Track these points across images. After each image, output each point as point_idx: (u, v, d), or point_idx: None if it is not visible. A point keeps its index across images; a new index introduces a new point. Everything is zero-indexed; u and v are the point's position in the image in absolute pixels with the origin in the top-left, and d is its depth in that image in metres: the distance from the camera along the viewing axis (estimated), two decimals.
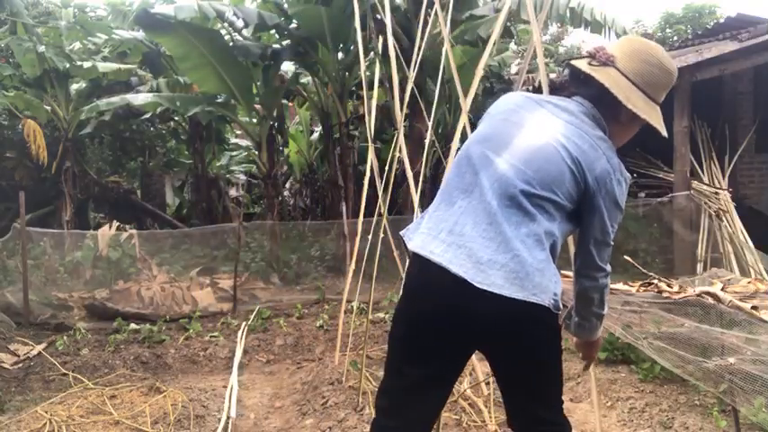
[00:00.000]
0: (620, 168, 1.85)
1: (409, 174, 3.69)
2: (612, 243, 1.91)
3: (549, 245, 1.79)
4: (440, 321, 1.81)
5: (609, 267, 1.95)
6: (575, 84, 1.95)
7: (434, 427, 2.23)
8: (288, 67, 10.63)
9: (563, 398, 2.01)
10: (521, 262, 1.72)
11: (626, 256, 4.30)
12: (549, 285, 1.75)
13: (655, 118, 1.90)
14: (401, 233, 1.96)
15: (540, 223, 1.76)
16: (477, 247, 1.73)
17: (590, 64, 1.88)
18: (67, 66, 8.63)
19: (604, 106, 1.87)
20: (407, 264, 1.97)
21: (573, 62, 1.94)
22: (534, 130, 1.83)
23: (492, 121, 1.94)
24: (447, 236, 1.78)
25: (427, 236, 1.82)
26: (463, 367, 2.05)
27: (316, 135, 12.10)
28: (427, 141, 3.75)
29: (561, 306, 1.81)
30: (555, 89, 9.05)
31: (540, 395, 1.92)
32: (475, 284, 1.69)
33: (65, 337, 5.95)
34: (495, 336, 1.81)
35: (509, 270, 1.71)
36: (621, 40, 2.01)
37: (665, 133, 1.93)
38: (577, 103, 1.90)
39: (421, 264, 1.81)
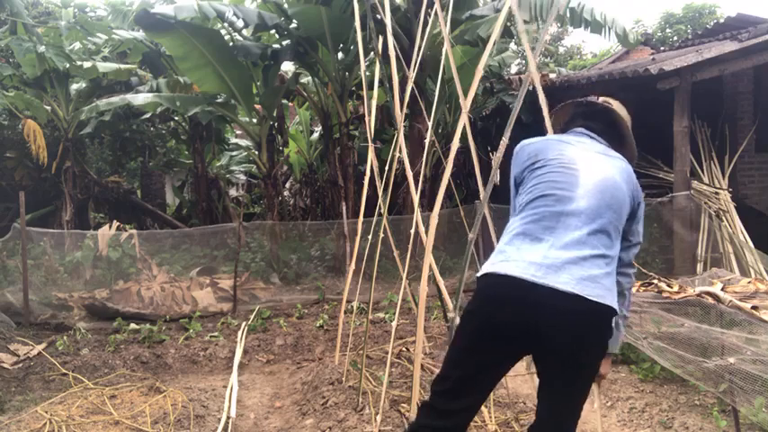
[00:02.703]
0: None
1: (409, 174, 3.69)
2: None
3: (617, 263, 2.18)
4: (511, 331, 2.07)
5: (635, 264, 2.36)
6: (585, 116, 2.43)
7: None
8: (288, 67, 10.63)
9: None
10: (608, 278, 2.07)
11: None
12: (614, 298, 2.09)
13: None
14: (478, 275, 2.22)
15: (614, 246, 2.14)
16: (576, 268, 2.02)
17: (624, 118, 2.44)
18: (67, 66, 8.63)
19: (609, 135, 2.38)
20: (482, 284, 2.19)
21: (606, 104, 2.42)
22: (591, 167, 2.20)
23: (547, 166, 2.24)
24: (543, 260, 2.05)
25: (518, 263, 2.08)
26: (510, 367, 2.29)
27: (316, 135, 12.10)
28: (427, 141, 3.75)
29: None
30: (554, 89, 9.02)
31: (576, 403, 2.15)
32: (588, 297, 1.99)
33: (65, 337, 5.95)
34: (576, 337, 2.04)
35: (606, 284, 2.05)
36: (606, 103, 2.48)
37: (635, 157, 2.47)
38: (589, 137, 2.36)
39: (510, 284, 2.05)
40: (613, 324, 2.11)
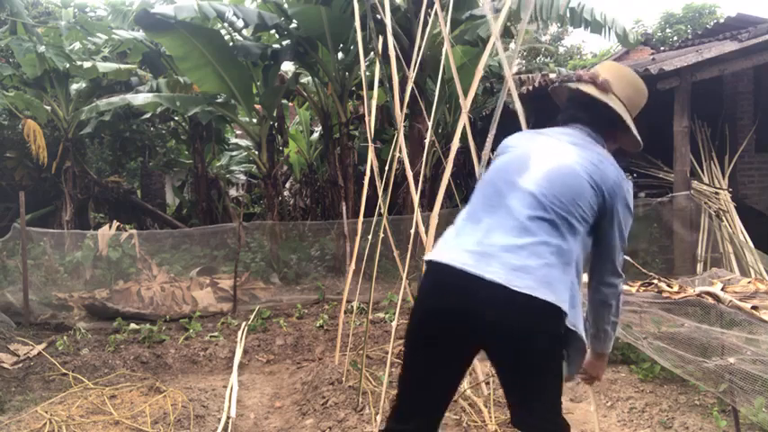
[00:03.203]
0: (626, 179, 2.05)
1: (409, 174, 3.69)
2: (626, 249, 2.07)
3: (574, 259, 1.94)
4: (461, 323, 1.93)
5: (622, 272, 2.08)
6: (574, 106, 2.16)
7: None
8: (288, 67, 10.63)
9: (562, 399, 2.05)
10: (549, 269, 1.86)
11: (626, 257, 4.30)
12: (565, 295, 1.88)
13: (636, 133, 2.16)
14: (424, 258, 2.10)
15: (564, 237, 1.92)
16: (510, 255, 1.87)
17: (594, 90, 2.11)
18: (67, 66, 8.63)
19: (602, 127, 2.11)
20: (424, 273, 2.07)
21: (579, 87, 2.12)
22: (552, 155, 2.03)
23: (505, 155, 2.14)
24: (476, 247, 1.92)
25: (453, 248, 1.96)
26: (467, 366, 2.16)
27: (316, 135, 12.10)
28: (427, 141, 3.75)
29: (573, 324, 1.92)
30: (552, 86, 9.09)
31: (540, 397, 1.97)
32: (511, 287, 1.82)
33: (65, 337, 5.95)
34: (515, 335, 1.89)
35: (542, 275, 1.85)
36: (607, 65, 2.21)
37: (641, 145, 2.19)
38: (574, 128, 2.12)
39: (445, 270, 1.92)
40: (570, 324, 1.89)
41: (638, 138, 2.17)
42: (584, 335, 1.97)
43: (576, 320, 1.93)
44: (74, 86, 9.83)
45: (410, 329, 2.07)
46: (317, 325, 6.39)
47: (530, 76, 8.62)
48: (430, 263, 2.00)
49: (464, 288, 1.87)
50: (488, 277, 1.83)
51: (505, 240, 1.89)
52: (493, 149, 2.46)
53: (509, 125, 2.78)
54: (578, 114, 2.13)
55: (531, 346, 1.89)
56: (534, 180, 1.96)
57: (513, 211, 1.93)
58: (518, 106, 2.79)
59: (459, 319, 1.92)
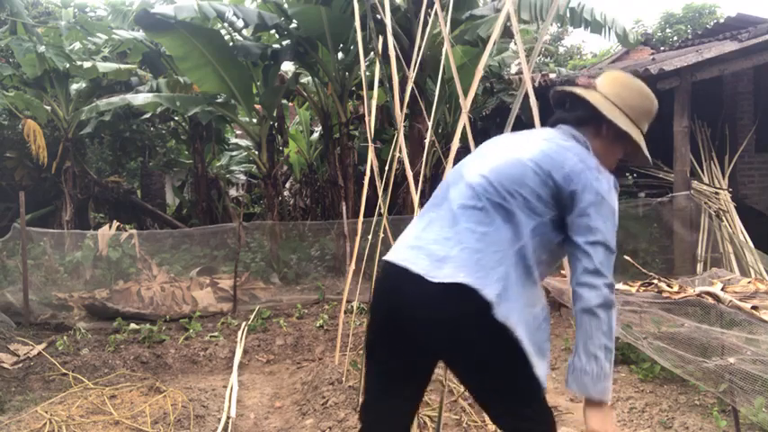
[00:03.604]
0: (598, 167, 1.86)
1: (409, 174, 3.69)
2: (613, 249, 1.79)
3: (512, 247, 1.78)
4: (398, 321, 1.88)
5: (613, 280, 1.77)
6: (558, 109, 2.07)
7: (435, 427, 2.24)
8: (288, 67, 10.62)
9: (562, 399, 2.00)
10: (471, 254, 1.77)
11: (626, 256, 4.30)
12: (493, 282, 1.73)
13: (637, 136, 1.97)
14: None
15: (495, 224, 1.81)
16: (436, 247, 1.82)
17: (573, 89, 2.03)
18: (67, 66, 8.63)
19: (587, 126, 1.98)
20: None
21: (557, 88, 2.07)
22: (505, 150, 1.96)
23: (477, 149, 2.10)
24: (413, 241, 1.90)
25: (398, 246, 1.95)
26: (425, 369, 2.04)
27: (316, 135, 12.10)
28: (427, 141, 3.75)
29: (510, 321, 1.72)
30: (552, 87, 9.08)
31: (502, 397, 1.85)
32: (428, 278, 1.76)
33: (65, 337, 5.95)
34: (440, 331, 1.81)
35: (460, 259, 1.77)
36: (607, 71, 2.11)
37: (647, 156, 2.01)
38: (556, 129, 2.01)
39: (387, 268, 1.92)
40: (501, 317, 1.69)
41: (638, 142, 1.97)
42: (519, 333, 1.73)
43: (510, 314, 1.71)
44: (74, 86, 9.83)
45: (366, 340, 2.07)
46: (317, 325, 6.39)
47: (531, 76, 8.61)
48: (383, 262, 1.97)
49: (398, 282, 1.85)
50: (413, 270, 1.80)
51: (437, 233, 1.85)
52: None
53: (504, 125, 2.78)
54: (561, 114, 2.05)
55: (458, 337, 1.77)
56: (477, 172, 1.91)
57: (450, 203, 1.89)
58: (533, 104, 2.79)
59: (395, 315, 1.88)
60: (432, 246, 1.83)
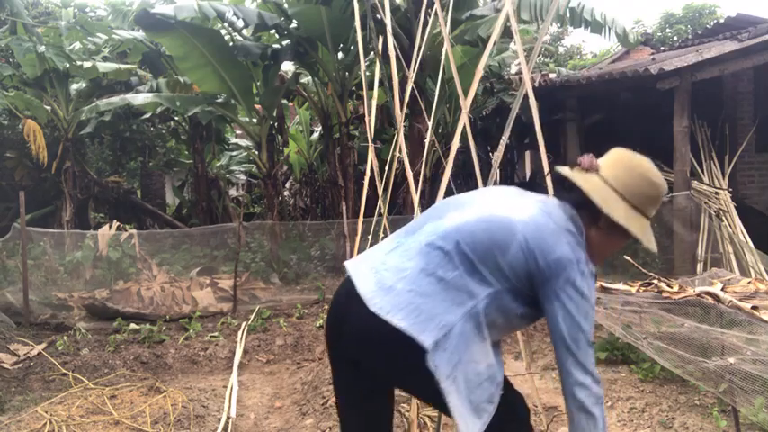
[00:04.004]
0: (585, 262, 1.77)
1: (409, 174, 3.69)
2: (591, 344, 1.75)
3: (467, 304, 1.72)
4: (341, 335, 1.88)
5: (597, 374, 1.76)
6: (558, 190, 1.95)
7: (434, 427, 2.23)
8: (288, 67, 10.63)
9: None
10: (416, 296, 1.71)
11: (626, 257, 4.30)
12: (433, 330, 1.67)
13: (637, 227, 1.83)
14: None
15: (457, 274, 1.73)
16: (389, 275, 1.77)
17: (572, 170, 1.88)
18: (67, 66, 8.63)
19: (585, 211, 1.84)
20: None
21: (557, 168, 1.94)
22: (503, 205, 1.85)
23: (472, 192, 2.01)
24: (373, 261, 1.86)
25: (363, 257, 1.93)
26: (380, 391, 1.99)
27: (316, 135, 12.10)
28: (427, 141, 3.75)
29: (444, 374, 1.67)
30: (554, 88, 9.02)
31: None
32: (367, 304, 1.73)
33: (65, 337, 5.95)
34: (366, 357, 1.82)
35: (403, 299, 1.71)
36: (610, 152, 1.94)
37: (650, 245, 1.86)
38: (559, 202, 1.89)
39: (346, 281, 1.89)
40: (431, 364, 1.64)
41: (638, 236, 1.82)
42: (444, 385, 1.67)
43: (442, 365, 1.65)
44: (74, 86, 9.83)
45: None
46: (317, 325, 6.39)
47: (531, 76, 8.61)
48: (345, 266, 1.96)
49: (347, 293, 1.84)
50: (359, 289, 1.77)
51: (396, 261, 1.81)
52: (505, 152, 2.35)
53: (504, 125, 2.78)
54: (560, 196, 1.91)
55: (389, 367, 1.79)
56: (463, 217, 1.82)
57: (422, 235, 1.83)
58: (533, 105, 2.79)
59: (340, 323, 1.88)
60: (385, 272, 1.78)
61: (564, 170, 1.90)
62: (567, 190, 1.88)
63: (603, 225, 1.83)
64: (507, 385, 1.93)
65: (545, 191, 2.64)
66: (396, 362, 1.75)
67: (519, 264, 1.73)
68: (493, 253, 1.73)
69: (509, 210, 1.81)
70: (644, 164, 1.86)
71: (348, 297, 1.81)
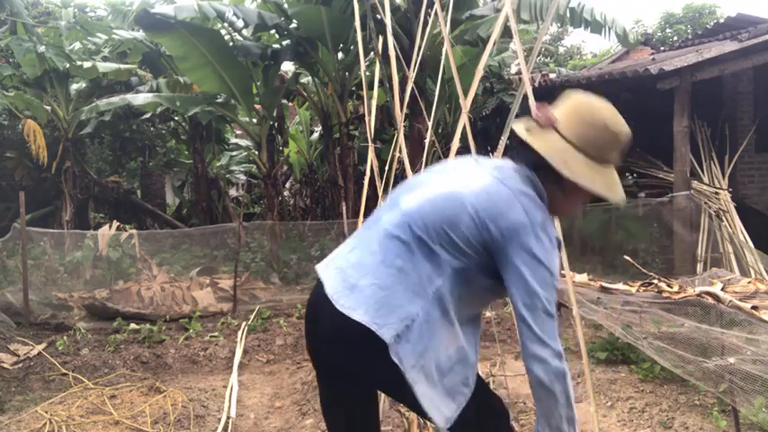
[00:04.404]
0: (543, 225, 1.69)
1: (409, 174, 3.69)
2: (553, 314, 1.67)
3: (428, 288, 1.69)
4: (316, 337, 1.90)
5: (559, 346, 1.68)
6: (516, 152, 1.85)
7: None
8: (288, 67, 10.63)
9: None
10: (377, 290, 1.70)
11: (626, 257, 4.31)
12: (395, 322, 1.66)
13: (600, 183, 1.76)
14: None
15: (414, 262, 1.70)
16: (352, 272, 1.76)
17: (528, 130, 1.80)
18: (67, 66, 8.63)
19: (545, 171, 1.76)
20: None
21: (513, 126, 1.85)
22: (452, 180, 1.81)
23: (422, 173, 1.97)
24: (339, 260, 1.85)
25: (331, 258, 1.92)
26: (359, 388, 1.97)
27: (316, 135, 12.10)
28: (427, 141, 3.75)
29: (410, 360, 1.66)
30: (553, 88, 9.05)
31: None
32: (334, 304, 1.73)
33: (65, 337, 5.95)
34: (343, 357, 1.81)
35: (365, 295, 1.70)
36: (568, 100, 1.85)
37: (616, 198, 1.80)
38: (516, 165, 1.81)
39: (317, 285, 1.88)
40: (394, 356, 1.63)
41: (597, 186, 1.75)
42: (410, 376, 1.66)
43: (406, 357, 1.65)
44: (74, 86, 9.84)
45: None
46: None
47: (531, 76, 8.61)
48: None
49: (317, 296, 1.83)
50: (327, 291, 1.77)
51: (357, 257, 1.80)
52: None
53: (504, 125, 2.78)
54: (519, 155, 1.83)
55: (360, 365, 1.78)
56: (414, 200, 1.78)
57: (379, 228, 1.80)
58: (532, 105, 2.78)
59: (314, 325, 1.88)
60: (349, 270, 1.78)
61: (520, 130, 1.80)
62: (524, 147, 1.79)
63: (567, 183, 1.75)
64: (484, 386, 1.92)
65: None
66: (365, 359, 1.73)
67: (473, 236, 1.68)
68: (445, 231, 1.69)
69: (458, 184, 1.77)
70: (603, 112, 1.78)
71: (318, 300, 1.81)
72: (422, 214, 1.73)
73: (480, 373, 1.94)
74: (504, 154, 2.03)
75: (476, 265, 1.71)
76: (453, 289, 1.70)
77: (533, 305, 1.65)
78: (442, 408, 1.71)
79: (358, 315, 1.67)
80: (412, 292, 1.68)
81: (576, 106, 1.80)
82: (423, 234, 1.71)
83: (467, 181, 1.77)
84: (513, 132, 1.85)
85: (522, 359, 1.70)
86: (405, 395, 1.70)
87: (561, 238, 1.79)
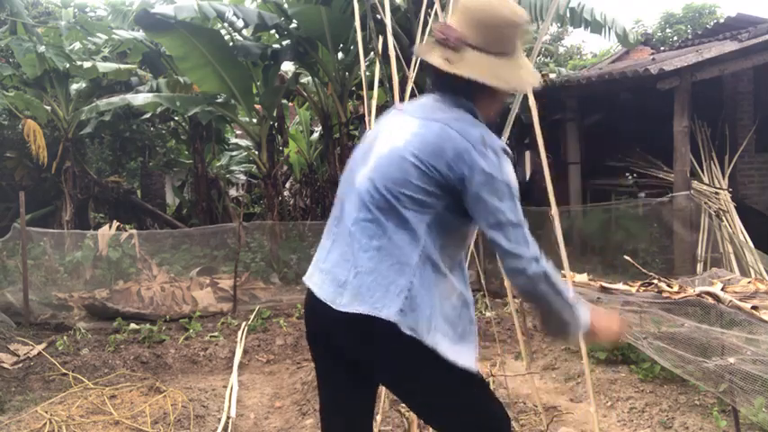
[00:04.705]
0: (483, 140, 1.70)
1: None
2: (520, 222, 1.68)
3: (412, 255, 1.69)
4: (320, 344, 1.93)
5: (534, 250, 1.68)
6: (435, 77, 1.82)
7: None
8: (288, 67, 10.63)
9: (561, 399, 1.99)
10: (365, 278, 1.70)
11: (626, 257, 4.31)
12: (391, 301, 1.67)
13: (525, 76, 1.80)
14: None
15: (387, 235, 1.70)
16: (338, 270, 1.77)
17: (446, 60, 1.74)
18: (67, 66, 8.63)
19: (467, 88, 1.76)
20: None
21: (426, 58, 1.78)
22: (384, 140, 1.81)
23: (358, 146, 1.96)
24: (322, 263, 1.85)
25: (313, 264, 1.91)
26: (361, 390, 1.97)
27: (316, 135, 12.10)
28: None
29: (423, 325, 1.67)
30: (553, 88, 9.02)
31: (437, 422, 1.86)
32: (333, 307, 1.74)
33: (65, 337, 5.95)
34: (359, 355, 1.80)
35: (354, 287, 1.71)
36: (458, 10, 1.80)
37: (536, 83, 1.84)
38: (439, 95, 1.81)
39: (308, 292, 1.89)
40: (407, 329, 1.65)
41: (522, 86, 1.85)
42: (429, 341, 1.68)
43: (419, 323, 1.66)
44: (74, 86, 9.83)
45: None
46: None
47: None
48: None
49: (313, 305, 1.84)
50: (321, 297, 1.78)
51: (338, 253, 1.79)
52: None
53: (504, 125, 2.78)
54: (434, 83, 1.83)
55: (378, 364, 1.78)
56: (365, 175, 1.78)
57: (346, 218, 1.79)
58: (532, 105, 2.79)
59: (323, 341, 1.89)
60: (335, 269, 1.78)
61: (437, 62, 1.74)
62: (445, 78, 1.75)
63: (493, 89, 1.77)
64: (485, 391, 1.93)
65: (544, 191, 2.64)
66: (372, 347, 1.73)
67: (428, 183, 1.68)
68: (401, 192, 1.69)
69: (390, 141, 1.77)
70: (496, 7, 1.74)
71: (314, 303, 1.82)
72: (375, 186, 1.73)
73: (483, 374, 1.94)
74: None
75: (444, 210, 1.71)
76: (434, 242, 1.70)
77: (497, 222, 1.65)
78: (463, 355, 1.73)
79: (356, 307, 1.68)
80: (398, 263, 1.68)
81: (472, 13, 1.75)
82: (384, 205, 1.71)
83: (397, 134, 1.77)
84: (427, 63, 1.79)
85: (506, 278, 1.76)
86: (409, 383, 1.76)
87: (508, 149, 1.80)
